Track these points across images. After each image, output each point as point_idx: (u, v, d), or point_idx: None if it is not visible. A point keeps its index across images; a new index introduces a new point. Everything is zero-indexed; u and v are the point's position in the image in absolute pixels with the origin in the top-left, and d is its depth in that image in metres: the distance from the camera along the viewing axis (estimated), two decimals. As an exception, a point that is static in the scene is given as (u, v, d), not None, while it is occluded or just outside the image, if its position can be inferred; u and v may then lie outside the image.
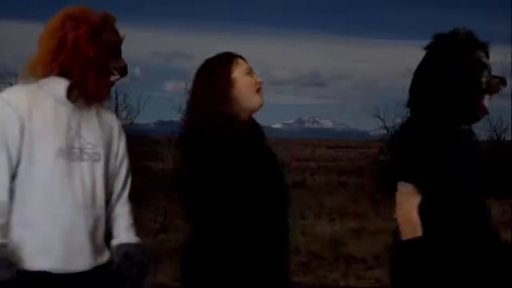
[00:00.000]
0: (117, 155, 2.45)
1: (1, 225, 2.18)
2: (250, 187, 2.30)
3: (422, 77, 2.49)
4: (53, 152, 2.24)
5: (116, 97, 11.30)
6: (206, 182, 2.28)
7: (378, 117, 17.27)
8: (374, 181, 15.84)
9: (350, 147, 42.57)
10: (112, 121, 2.47)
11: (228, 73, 2.40)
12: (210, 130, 2.31)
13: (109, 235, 2.42)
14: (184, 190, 2.35)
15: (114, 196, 2.44)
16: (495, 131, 16.58)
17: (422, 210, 2.38)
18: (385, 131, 17.23)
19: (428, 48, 2.51)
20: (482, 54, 2.46)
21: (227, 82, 2.38)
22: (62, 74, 2.28)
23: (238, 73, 2.41)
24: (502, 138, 16.73)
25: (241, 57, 2.47)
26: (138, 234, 2.48)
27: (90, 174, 2.31)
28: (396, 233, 2.49)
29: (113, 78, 2.36)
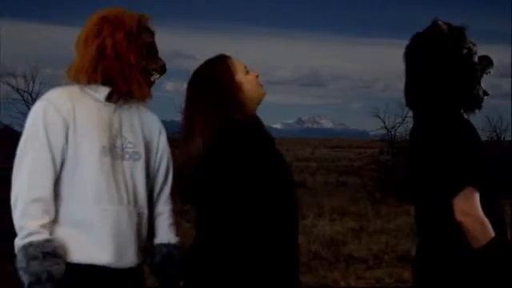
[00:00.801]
0: (157, 152, 2.48)
1: (47, 222, 2.20)
2: (273, 191, 2.30)
3: (420, 74, 2.48)
4: (98, 151, 2.27)
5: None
6: (240, 186, 2.25)
7: (378, 117, 17.28)
8: (374, 181, 15.83)
9: (350, 147, 42.58)
10: (152, 119, 2.50)
11: (231, 77, 2.39)
12: (242, 137, 2.29)
13: (151, 234, 2.46)
14: (205, 192, 2.31)
15: (155, 194, 2.48)
16: (495, 131, 16.61)
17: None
18: (385, 131, 17.25)
19: (411, 47, 2.50)
20: (468, 40, 2.47)
21: (233, 87, 2.37)
22: (106, 81, 2.31)
23: (240, 74, 2.41)
24: (502, 138, 16.75)
25: (230, 57, 2.46)
26: (177, 233, 2.51)
27: (131, 173, 2.35)
28: (430, 237, 2.40)
29: (153, 77, 2.40)
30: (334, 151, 38.72)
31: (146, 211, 2.40)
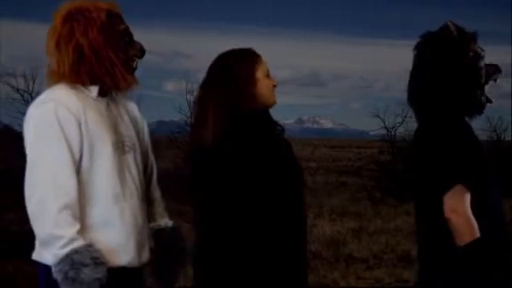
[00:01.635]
0: (144, 139, 2.47)
1: (79, 228, 2.14)
2: (274, 188, 2.31)
3: (423, 76, 2.48)
4: (109, 147, 2.24)
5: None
6: (232, 181, 2.26)
7: (378, 117, 17.29)
8: (374, 181, 15.83)
9: (350, 147, 42.55)
10: (133, 107, 2.49)
11: (252, 72, 2.40)
12: (241, 129, 2.32)
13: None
14: (201, 187, 2.32)
15: (147, 180, 2.47)
16: (495, 131, 16.60)
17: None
18: (385, 131, 17.25)
19: (420, 46, 2.50)
20: (476, 45, 2.47)
21: (251, 81, 2.38)
22: (91, 81, 2.27)
23: (261, 73, 2.42)
24: (502, 138, 16.74)
25: (260, 56, 2.47)
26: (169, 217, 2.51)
27: (134, 165, 2.33)
28: (427, 236, 2.41)
29: (135, 63, 2.36)
30: (334, 151, 38.68)
31: (146, 203, 2.40)
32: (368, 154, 25.36)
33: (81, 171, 2.19)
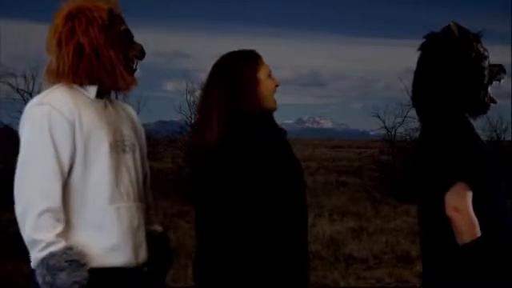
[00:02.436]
0: (141, 139, 2.47)
1: (61, 231, 2.15)
2: (278, 190, 2.31)
3: (426, 76, 2.48)
4: (106, 148, 2.24)
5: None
6: (235, 183, 2.26)
7: (378, 117, 17.25)
8: (374, 181, 15.83)
9: (350, 147, 42.55)
10: (129, 109, 2.50)
11: (254, 73, 2.40)
12: (244, 132, 2.32)
13: None
14: (204, 189, 2.31)
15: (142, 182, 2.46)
16: (495, 131, 16.58)
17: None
18: (385, 131, 17.22)
19: (424, 47, 2.51)
20: (480, 45, 2.48)
21: (253, 82, 2.38)
22: (90, 81, 2.27)
23: (263, 74, 2.42)
24: (502, 138, 16.73)
25: (261, 56, 2.47)
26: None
27: (133, 166, 2.33)
28: (429, 235, 2.41)
29: (135, 65, 2.37)
30: (334, 151, 38.67)
31: (145, 205, 2.40)
32: (368, 154, 25.34)
33: (74, 173, 2.21)
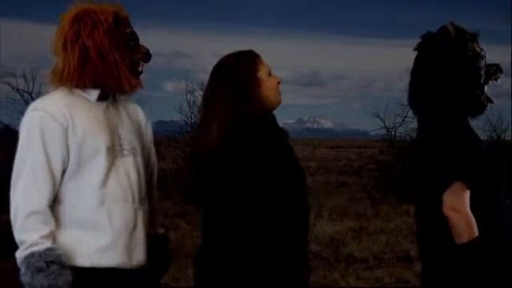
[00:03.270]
0: (148, 143, 2.48)
1: (47, 233, 2.19)
2: (281, 191, 2.31)
3: (423, 77, 2.48)
4: (102, 152, 2.25)
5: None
6: (237, 185, 2.27)
7: (378, 117, 17.25)
8: (374, 181, 15.82)
9: (350, 147, 42.54)
10: (137, 111, 2.49)
11: (254, 73, 2.40)
12: (246, 134, 2.32)
13: None
14: (205, 190, 2.32)
15: (147, 185, 2.46)
16: (495, 131, 16.58)
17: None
18: (385, 131, 17.23)
19: (420, 47, 2.51)
20: (476, 45, 2.48)
21: (254, 82, 2.39)
22: (94, 84, 2.28)
23: (263, 73, 2.42)
24: (502, 138, 16.73)
25: (260, 56, 2.48)
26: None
27: (132, 169, 2.33)
28: (426, 234, 2.42)
29: (140, 68, 2.37)
30: (334, 151, 38.67)
31: (147, 207, 2.40)
32: (368, 154, 25.35)
33: (67, 175, 2.24)
